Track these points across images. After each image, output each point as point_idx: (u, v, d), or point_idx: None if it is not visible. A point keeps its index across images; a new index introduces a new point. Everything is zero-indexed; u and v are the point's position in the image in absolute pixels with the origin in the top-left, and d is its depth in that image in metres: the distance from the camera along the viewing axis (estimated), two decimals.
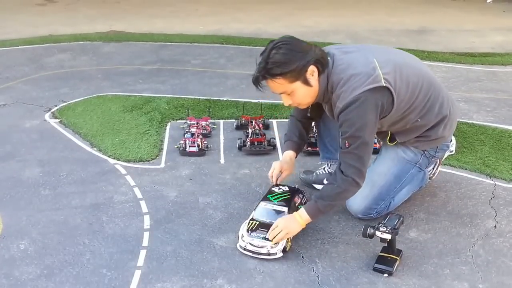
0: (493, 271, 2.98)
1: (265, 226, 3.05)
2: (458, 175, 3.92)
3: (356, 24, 7.64)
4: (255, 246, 2.99)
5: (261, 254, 2.99)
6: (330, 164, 3.70)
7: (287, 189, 3.31)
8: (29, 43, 6.38)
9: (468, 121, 4.73)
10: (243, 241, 3.03)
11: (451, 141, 3.54)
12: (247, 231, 3.05)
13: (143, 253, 3.02)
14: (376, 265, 2.97)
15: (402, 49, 6.23)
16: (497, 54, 6.59)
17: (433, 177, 3.66)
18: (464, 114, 4.88)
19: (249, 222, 3.11)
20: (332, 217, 3.40)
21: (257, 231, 3.04)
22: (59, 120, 4.56)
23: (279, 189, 3.31)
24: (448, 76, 5.80)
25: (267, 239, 2.99)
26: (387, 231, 2.92)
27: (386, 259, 2.99)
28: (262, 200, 3.23)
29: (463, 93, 5.37)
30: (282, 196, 3.24)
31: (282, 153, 3.54)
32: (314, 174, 3.75)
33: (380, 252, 3.03)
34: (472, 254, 3.11)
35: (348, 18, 7.92)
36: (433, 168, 3.58)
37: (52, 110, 4.71)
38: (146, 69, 5.72)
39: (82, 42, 6.51)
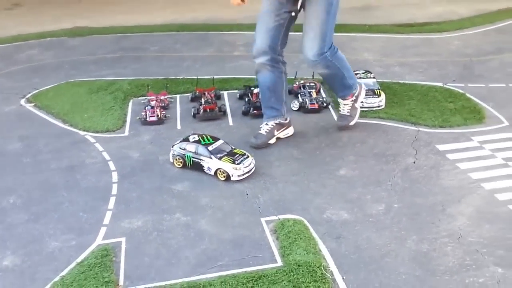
0: (408, 194, 3.59)
1: None
2: (386, 125, 4.52)
3: None
4: None
5: None
6: (275, 123, 4.33)
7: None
8: (0, 43, 6.82)
9: (399, 81, 5.32)
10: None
11: None
12: None
13: (112, 199, 3.59)
14: None
15: (345, 24, 6.89)
16: (434, 23, 7.16)
17: None
18: (397, 76, 5.48)
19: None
20: (273, 163, 3.97)
21: None
22: (33, 104, 5.04)
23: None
24: (386, 46, 6.37)
25: None
26: None
27: None
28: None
29: (398, 58, 5.95)
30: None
31: None
32: (261, 133, 4.30)
33: None
34: (391, 183, 3.72)
35: None
36: None
37: (27, 96, 5.19)
38: (109, 57, 6.21)
39: (49, 38, 6.94)
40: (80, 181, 3.81)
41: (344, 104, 4.51)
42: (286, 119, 4.41)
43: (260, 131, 4.31)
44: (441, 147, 4.11)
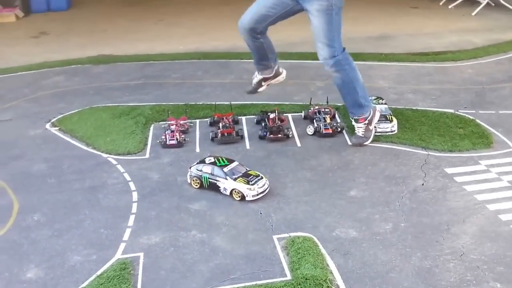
0: (415, 214, 3.74)
1: None
2: (398, 149, 4.68)
3: None
4: None
5: None
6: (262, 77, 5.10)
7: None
8: (27, 69, 7.07)
9: (412, 108, 5.47)
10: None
11: None
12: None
13: (132, 217, 3.78)
14: None
15: (361, 53, 7.08)
16: (449, 52, 7.30)
17: None
18: (410, 102, 5.63)
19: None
20: (287, 184, 4.14)
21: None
22: (58, 128, 5.27)
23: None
24: (401, 73, 6.53)
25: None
26: None
27: None
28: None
29: (412, 86, 6.10)
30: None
31: None
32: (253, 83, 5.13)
33: None
34: (399, 204, 3.87)
35: None
36: None
37: (52, 121, 5.42)
38: (132, 84, 6.45)
39: (74, 66, 7.20)
40: (101, 200, 4.01)
41: (358, 127, 4.76)
42: (272, 72, 5.09)
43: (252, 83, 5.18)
44: (449, 170, 4.26)
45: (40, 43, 8.54)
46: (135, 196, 4.05)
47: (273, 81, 5.18)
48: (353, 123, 4.80)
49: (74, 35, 8.83)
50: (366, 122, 4.73)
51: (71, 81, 6.61)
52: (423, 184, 4.11)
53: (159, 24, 9.48)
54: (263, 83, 5.16)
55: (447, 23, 8.75)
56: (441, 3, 9.98)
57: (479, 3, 9.34)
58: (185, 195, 4.05)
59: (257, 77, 5.17)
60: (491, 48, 7.26)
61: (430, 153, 4.57)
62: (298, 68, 6.75)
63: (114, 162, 4.58)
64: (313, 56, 6.92)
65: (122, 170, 4.44)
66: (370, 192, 4.03)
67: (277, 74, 5.17)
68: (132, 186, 4.19)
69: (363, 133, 4.76)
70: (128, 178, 4.31)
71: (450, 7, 9.71)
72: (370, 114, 4.74)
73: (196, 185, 4.13)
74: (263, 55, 4.99)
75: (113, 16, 10.16)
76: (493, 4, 9.47)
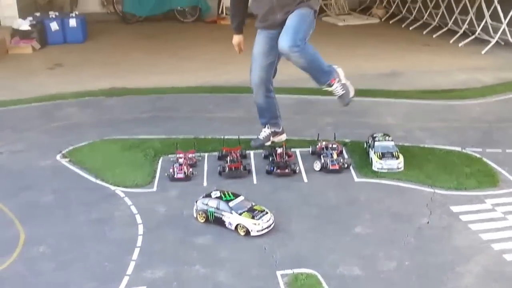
0: (420, 253, 3.74)
1: None
2: (404, 186, 4.70)
3: None
4: None
5: None
6: (267, 126, 5.36)
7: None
8: (40, 101, 7.18)
9: (420, 145, 5.50)
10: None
11: None
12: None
13: (137, 250, 3.81)
14: None
15: (371, 90, 7.14)
16: (457, 90, 7.36)
17: None
18: (418, 140, 5.66)
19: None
20: (292, 220, 4.16)
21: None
22: (68, 159, 5.34)
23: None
24: (409, 111, 6.58)
25: None
26: None
27: None
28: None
29: (420, 123, 6.13)
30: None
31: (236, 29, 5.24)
32: (259, 138, 5.34)
33: None
34: (404, 242, 3.87)
35: None
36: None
37: (62, 152, 5.48)
38: (143, 116, 6.53)
39: (87, 98, 7.31)
40: (107, 233, 4.05)
41: (335, 88, 5.07)
42: (280, 128, 5.42)
43: (258, 137, 5.36)
44: (455, 209, 4.27)
45: (55, 75, 8.68)
46: (141, 229, 4.08)
47: (277, 139, 5.43)
48: (328, 89, 5.07)
49: (89, 67, 8.98)
50: (338, 79, 5.03)
51: (83, 113, 6.70)
52: (428, 222, 4.12)
53: (173, 58, 9.63)
54: (272, 138, 5.39)
55: (456, 61, 8.83)
56: (451, 41, 10.07)
57: (489, 42, 9.41)
58: (190, 229, 4.08)
59: (265, 131, 5.38)
60: (499, 87, 7.30)
61: (436, 191, 4.59)
62: (307, 103, 6.83)
63: (122, 194, 4.63)
64: (322, 91, 7.02)
65: (129, 202, 4.48)
66: (375, 230, 4.04)
67: (283, 132, 5.48)
68: (138, 219, 4.22)
69: (342, 90, 5.05)
70: (134, 211, 4.35)
71: (460, 45, 9.80)
72: (336, 73, 5.05)
73: (202, 219, 4.15)
74: (274, 113, 5.35)
75: (128, 49, 10.35)
76: (502, 43, 9.54)
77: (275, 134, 5.42)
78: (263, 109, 5.31)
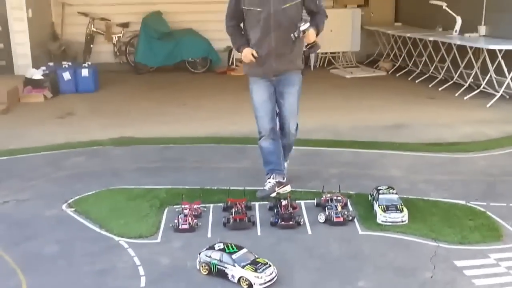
0: None
1: None
2: (408, 240, 4.70)
3: (339, 123, 8.45)
4: None
5: None
6: (272, 176, 5.56)
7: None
8: (49, 149, 7.27)
9: (424, 198, 5.51)
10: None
11: None
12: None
13: None
14: None
15: (376, 142, 7.20)
16: (462, 143, 7.38)
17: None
18: (422, 193, 5.67)
19: None
20: (295, 273, 4.15)
21: None
22: (74, 209, 5.38)
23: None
24: (414, 163, 6.61)
25: None
26: None
27: None
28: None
29: (425, 176, 6.15)
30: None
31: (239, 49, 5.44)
32: (265, 189, 5.52)
33: None
34: None
35: (332, 118, 8.78)
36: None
37: (68, 202, 5.53)
38: (150, 166, 6.60)
39: (95, 147, 7.40)
40: (109, 284, 4.06)
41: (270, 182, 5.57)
42: (284, 179, 5.60)
43: (264, 187, 5.51)
44: (459, 263, 4.26)
45: (65, 124, 8.81)
46: (143, 281, 4.09)
47: (282, 190, 5.55)
48: (285, 164, 5.79)
49: (99, 116, 9.10)
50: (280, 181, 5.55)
51: (91, 162, 6.78)
52: (432, 277, 4.10)
53: (182, 107, 9.75)
54: (276, 189, 5.50)
55: (461, 114, 8.89)
56: (456, 94, 10.15)
57: (494, 95, 9.48)
58: (193, 282, 4.09)
59: (270, 182, 5.54)
60: (504, 140, 7.32)
61: (440, 244, 4.58)
62: (313, 155, 6.88)
63: (126, 245, 4.65)
64: (328, 143, 7.14)
65: (132, 254, 4.50)
66: (378, 283, 4.04)
67: (288, 183, 5.65)
68: (141, 270, 4.23)
69: (270, 187, 5.51)
70: (138, 262, 4.36)
71: (465, 98, 9.87)
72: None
73: (205, 272, 4.16)
74: (279, 158, 5.62)
75: (138, 99, 10.50)
76: (507, 97, 9.61)
77: (279, 184, 5.53)
78: (271, 152, 5.55)
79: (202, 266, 4.17)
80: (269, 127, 5.50)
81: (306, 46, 5.36)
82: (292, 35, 5.11)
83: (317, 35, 5.23)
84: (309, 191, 5.68)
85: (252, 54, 5.26)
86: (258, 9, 5.16)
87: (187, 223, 4.90)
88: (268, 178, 5.57)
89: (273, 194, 5.47)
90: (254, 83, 5.47)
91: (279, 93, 5.48)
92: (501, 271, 4.14)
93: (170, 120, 8.86)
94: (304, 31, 5.11)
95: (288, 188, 5.58)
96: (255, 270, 3.98)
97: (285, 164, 5.87)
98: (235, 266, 4.03)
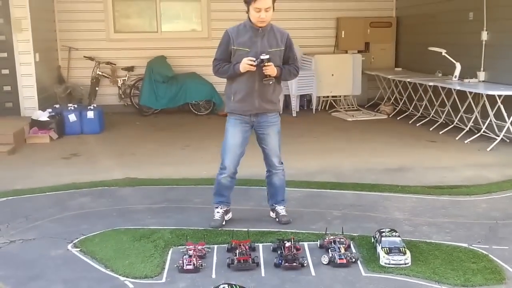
0: None
1: None
2: (411, 282, 4.74)
3: (341, 165, 8.57)
4: None
5: None
6: (220, 206, 6.06)
7: None
8: (54, 190, 7.34)
9: (426, 240, 5.56)
10: None
11: None
12: None
13: None
14: None
15: (378, 185, 7.27)
16: (464, 186, 7.45)
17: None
18: (425, 235, 5.72)
19: None
20: None
21: None
22: (79, 249, 5.44)
23: None
24: (416, 206, 6.67)
25: None
26: None
27: None
28: None
29: (427, 218, 6.21)
30: None
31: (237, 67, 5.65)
32: (216, 219, 5.99)
33: None
34: None
35: (334, 160, 8.89)
36: None
37: (74, 242, 5.59)
38: (154, 207, 6.67)
39: (100, 188, 7.48)
40: None
41: (283, 210, 6.10)
42: (228, 207, 6.13)
43: (215, 217, 5.99)
44: None
45: (70, 164, 8.91)
46: None
47: (227, 216, 6.13)
48: (279, 209, 6.11)
49: (104, 157, 9.20)
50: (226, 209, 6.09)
51: (96, 203, 6.85)
52: None
53: (186, 149, 9.87)
54: (225, 216, 6.07)
55: (462, 157, 8.98)
56: (457, 138, 10.26)
57: (494, 139, 9.59)
58: None
59: (219, 212, 6.03)
60: (506, 184, 7.39)
61: (443, 287, 4.61)
62: (316, 197, 6.95)
63: (131, 285, 4.69)
64: (331, 185, 7.22)
65: None
66: None
67: (229, 210, 6.18)
68: None
69: (220, 216, 6.00)
70: None
71: (466, 142, 9.98)
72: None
73: None
74: (231, 191, 6.12)
75: (143, 140, 10.62)
76: (507, 140, 9.72)
77: (227, 212, 6.10)
78: (227, 187, 6.02)
79: None
80: (233, 169, 5.93)
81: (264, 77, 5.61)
82: (256, 62, 5.51)
83: (277, 76, 5.66)
84: (312, 233, 5.74)
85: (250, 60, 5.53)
86: (247, 50, 5.55)
87: (192, 264, 4.95)
88: (216, 208, 6.03)
89: (223, 223, 5.98)
90: (231, 126, 5.90)
91: (260, 134, 5.88)
92: None
93: (174, 161, 8.97)
94: (263, 60, 5.45)
95: (230, 215, 6.15)
96: None
97: (282, 209, 6.14)
98: None
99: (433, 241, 5.56)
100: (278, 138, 5.91)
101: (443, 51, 11.01)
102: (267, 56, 5.50)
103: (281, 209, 6.11)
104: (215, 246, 5.45)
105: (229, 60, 5.72)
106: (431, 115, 11.74)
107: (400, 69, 13.93)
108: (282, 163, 6.02)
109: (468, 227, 5.94)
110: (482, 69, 10.63)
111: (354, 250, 5.32)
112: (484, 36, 10.58)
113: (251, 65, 5.49)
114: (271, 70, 5.53)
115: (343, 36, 14.17)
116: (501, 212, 6.35)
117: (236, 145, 5.87)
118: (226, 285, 4.31)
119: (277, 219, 6.09)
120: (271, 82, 5.66)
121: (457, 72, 10.83)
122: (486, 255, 5.19)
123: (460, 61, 10.81)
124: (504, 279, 4.71)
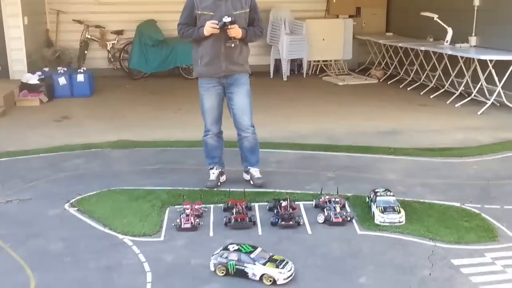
0: None
1: None
2: (406, 240, 4.83)
3: (334, 128, 8.58)
4: None
5: None
6: (215, 167, 6.12)
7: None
8: (48, 152, 7.32)
9: (420, 200, 5.64)
10: None
11: None
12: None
13: None
14: None
15: (371, 147, 7.32)
16: (455, 148, 7.53)
17: None
18: (418, 195, 5.80)
19: None
20: (297, 270, 4.25)
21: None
22: (76, 208, 5.46)
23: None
24: (409, 167, 6.74)
25: None
26: None
27: None
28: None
29: (421, 179, 6.28)
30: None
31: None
32: (212, 179, 6.05)
33: None
34: None
35: (327, 123, 8.92)
36: None
37: (71, 201, 5.61)
38: (149, 168, 6.68)
39: (94, 149, 7.47)
40: (116, 280, 4.15)
41: (257, 172, 6.09)
42: (223, 168, 6.18)
43: (210, 178, 6.03)
44: (456, 262, 4.38)
45: (62, 127, 8.87)
46: (149, 277, 4.18)
47: (222, 178, 6.18)
48: (253, 171, 6.10)
49: (95, 120, 9.17)
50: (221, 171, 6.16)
51: (91, 164, 6.85)
52: (430, 274, 4.22)
53: (177, 112, 9.84)
54: (221, 177, 6.12)
55: (453, 121, 9.06)
56: (448, 102, 10.32)
57: (485, 103, 9.66)
58: (198, 277, 4.18)
59: (214, 173, 6.07)
60: (497, 146, 7.48)
61: (437, 244, 4.70)
62: (310, 158, 6.99)
63: (130, 243, 4.74)
64: (325, 147, 7.26)
65: (137, 251, 4.59)
66: (379, 280, 4.15)
67: (224, 172, 6.22)
68: (146, 267, 4.33)
69: (215, 177, 6.05)
70: (143, 259, 4.45)
71: (456, 105, 10.04)
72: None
73: (222, 273, 4.21)
74: (221, 152, 6.18)
75: (134, 104, 10.57)
76: (498, 104, 9.79)
77: (222, 174, 6.15)
78: (215, 147, 6.09)
79: (218, 268, 4.21)
80: (216, 130, 6.02)
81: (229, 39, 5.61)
82: (218, 24, 5.49)
83: (242, 38, 5.65)
84: (307, 193, 5.80)
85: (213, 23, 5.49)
86: (211, 13, 5.54)
87: (189, 223, 5.00)
88: (211, 169, 6.09)
89: (219, 183, 6.03)
90: (204, 90, 5.86)
91: (229, 94, 5.87)
92: (497, 269, 4.27)
93: (166, 124, 8.94)
94: (225, 23, 5.43)
95: (224, 177, 6.19)
96: (277, 267, 4.08)
97: (256, 171, 6.12)
98: (255, 265, 4.11)
99: (426, 200, 5.64)
100: (248, 99, 5.89)
101: (435, 16, 10.99)
102: (230, 19, 5.42)
103: (255, 171, 6.10)
104: (212, 206, 5.50)
105: (194, 24, 5.68)
106: (421, 80, 11.77)
107: (391, 34, 13.89)
108: (253, 126, 5.98)
109: (460, 187, 6.02)
110: (473, 34, 10.64)
111: (349, 210, 5.38)
112: (476, 1, 10.57)
113: (214, 27, 5.46)
114: (235, 32, 5.51)
115: (334, 0, 14.07)
116: (492, 173, 6.45)
117: (213, 108, 5.90)
118: (235, 244, 4.33)
119: (251, 182, 6.09)
120: (233, 45, 5.63)
121: (448, 37, 10.84)
122: (479, 214, 5.28)
123: (451, 26, 10.80)
124: (496, 237, 4.80)
